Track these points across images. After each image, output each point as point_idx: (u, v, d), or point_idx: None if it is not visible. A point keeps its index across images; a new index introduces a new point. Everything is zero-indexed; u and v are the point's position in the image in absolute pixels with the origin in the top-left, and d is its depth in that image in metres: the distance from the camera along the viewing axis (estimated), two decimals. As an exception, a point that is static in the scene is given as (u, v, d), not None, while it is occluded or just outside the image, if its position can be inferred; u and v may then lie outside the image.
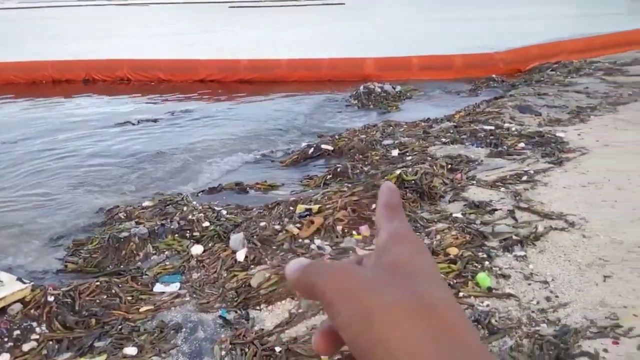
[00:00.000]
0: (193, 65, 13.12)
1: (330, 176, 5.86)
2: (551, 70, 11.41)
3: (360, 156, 6.52)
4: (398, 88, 10.69)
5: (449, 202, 4.92)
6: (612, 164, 5.63)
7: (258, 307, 3.24)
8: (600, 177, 5.27)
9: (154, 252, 4.16)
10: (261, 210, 4.65)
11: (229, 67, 12.93)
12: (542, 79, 10.61)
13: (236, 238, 3.92)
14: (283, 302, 3.25)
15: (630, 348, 2.79)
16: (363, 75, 12.02)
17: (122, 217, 4.85)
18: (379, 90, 10.20)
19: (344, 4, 52.34)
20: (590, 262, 3.67)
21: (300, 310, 3.11)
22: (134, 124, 8.89)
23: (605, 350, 2.78)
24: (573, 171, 5.50)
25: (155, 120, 9.11)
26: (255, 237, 3.96)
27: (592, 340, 2.85)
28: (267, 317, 3.16)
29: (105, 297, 3.40)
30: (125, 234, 4.23)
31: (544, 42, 14.23)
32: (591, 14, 28.70)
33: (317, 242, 3.96)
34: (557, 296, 3.28)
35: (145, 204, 5.15)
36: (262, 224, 4.23)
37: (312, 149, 6.97)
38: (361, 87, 10.21)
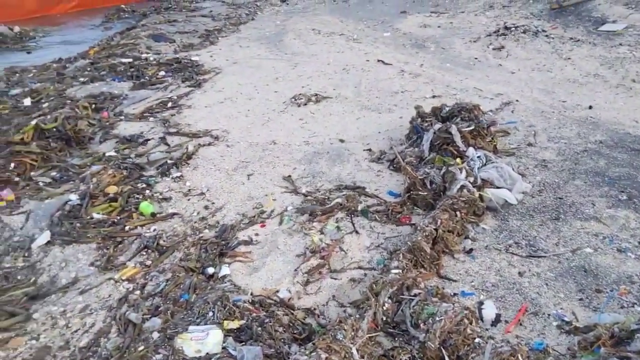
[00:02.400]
0: None
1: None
2: (177, -3, 11.71)
3: (-17, 113, 5.53)
4: (17, 29, 9.23)
5: (100, 142, 4.76)
6: (241, 78, 6.38)
7: None
8: (234, 92, 5.93)
9: None
10: None
11: None
12: (170, 5, 10.82)
13: None
14: None
15: (273, 226, 3.41)
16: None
17: None
18: (-10, 32, 8.59)
19: None
20: (235, 167, 4.22)
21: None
22: None
23: (257, 234, 3.33)
24: (211, 90, 6.01)
25: None
26: None
27: (246, 230, 3.37)
28: None
29: None
30: None
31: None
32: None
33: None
34: (213, 203, 3.70)
35: None
36: None
37: None
38: (-36, 31, 8.40)
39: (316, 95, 5.66)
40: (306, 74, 6.41)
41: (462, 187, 3.32)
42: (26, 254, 3.08)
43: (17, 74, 6.83)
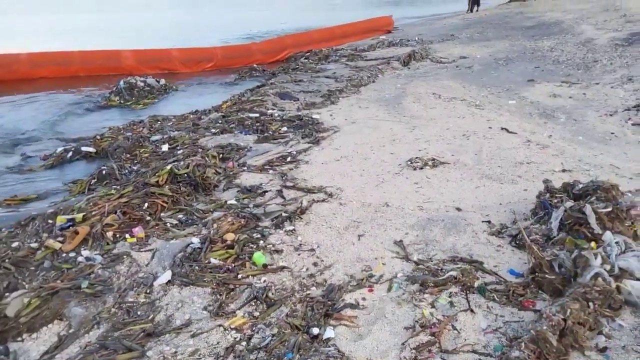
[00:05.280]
0: None
1: (96, 180, 5.44)
2: (304, 59, 12.48)
3: (128, 155, 6.19)
4: (162, 81, 10.37)
5: (224, 190, 5.04)
6: (358, 138, 6.49)
7: (19, 338, 2.86)
8: (350, 151, 6.03)
9: None
10: (12, 230, 4.06)
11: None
12: (297, 66, 11.53)
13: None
14: (50, 325, 2.94)
15: (381, 292, 3.30)
16: (121, 69, 11.33)
17: None
18: (142, 84, 9.75)
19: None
20: (347, 225, 4.21)
21: (71, 331, 2.86)
22: None
23: (364, 299, 3.24)
24: (328, 148, 6.17)
25: None
26: (6, 260, 3.46)
27: (353, 292, 3.30)
28: (32, 347, 2.82)
29: None
30: None
31: (295, 32, 15.42)
32: (329, 6, 32.03)
33: (85, 253, 3.66)
34: (322, 260, 3.69)
35: None
36: (15, 244, 3.72)
37: (71, 152, 6.34)
38: (121, 82, 9.60)
39: (433, 159, 5.56)
40: (424, 138, 6.36)
41: (597, 274, 2.97)
42: (148, 291, 3.28)
43: (159, 122, 7.60)
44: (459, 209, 4.42)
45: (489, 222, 4.14)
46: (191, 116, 7.86)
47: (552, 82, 8.60)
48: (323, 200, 4.69)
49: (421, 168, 5.40)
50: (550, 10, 19.15)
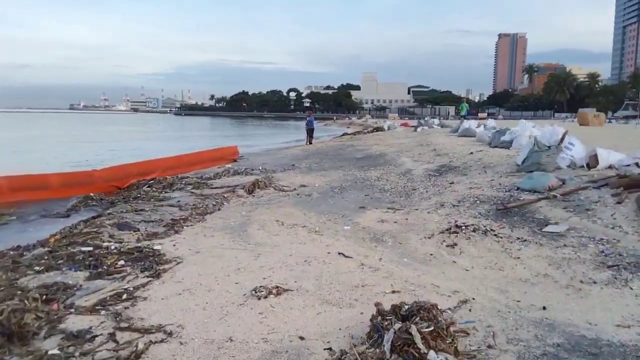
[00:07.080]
0: None
1: None
2: (147, 187, 12.24)
3: None
4: (-22, 214, 9.27)
5: (45, 338, 4.45)
6: (202, 268, 6.36)
7: None
8: (193, 283, 5.85)
9: None
10: None
11: None
12: (139, 195, 11.22)
13: None
14: None
15: None
16: None
17: None
18: (-49, 217, 8.57)
19: None
20: (186, 368, 3.96)
21: None
22: None
23: None
24: (170, 281, 5.92)
25: None
26: None
27: None
28: None
29: None
30: None
31: (140, 160, 15.22)
32: (180, 136, 32.73)
33: None
34: (158, 412, 3.37)
35: None
36: None
37: None
38: None
39: (277, 287, 5.64)
40: (268, 265, 6.47)
41: (426, 395, 3.18)
42: None
43: (-31, 261, 6.63)
44: (302, 338, 4.46)
45: (330, 349, 4.23)
46: (11, 253, 7.03)
47: (380, 208, 9.59)
48: (162, 341, 4.39)
49: (265, 297, 5.42)
50: (376, 143, 21.91)
